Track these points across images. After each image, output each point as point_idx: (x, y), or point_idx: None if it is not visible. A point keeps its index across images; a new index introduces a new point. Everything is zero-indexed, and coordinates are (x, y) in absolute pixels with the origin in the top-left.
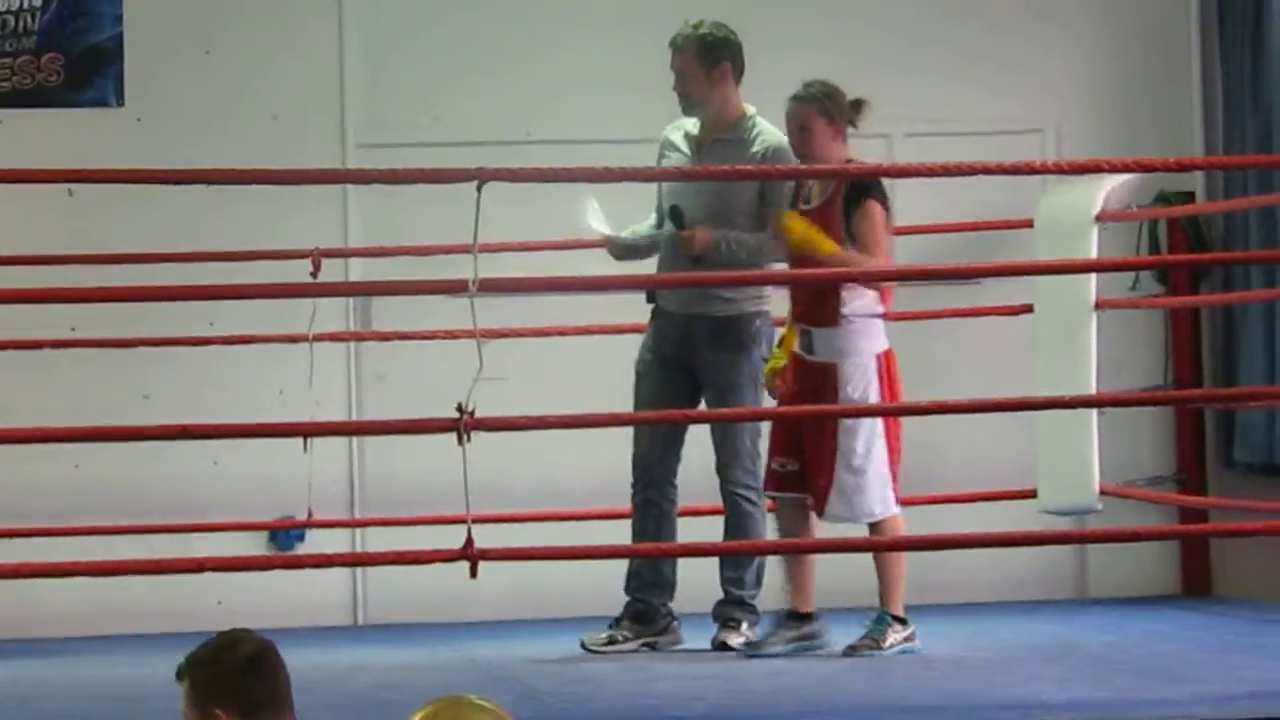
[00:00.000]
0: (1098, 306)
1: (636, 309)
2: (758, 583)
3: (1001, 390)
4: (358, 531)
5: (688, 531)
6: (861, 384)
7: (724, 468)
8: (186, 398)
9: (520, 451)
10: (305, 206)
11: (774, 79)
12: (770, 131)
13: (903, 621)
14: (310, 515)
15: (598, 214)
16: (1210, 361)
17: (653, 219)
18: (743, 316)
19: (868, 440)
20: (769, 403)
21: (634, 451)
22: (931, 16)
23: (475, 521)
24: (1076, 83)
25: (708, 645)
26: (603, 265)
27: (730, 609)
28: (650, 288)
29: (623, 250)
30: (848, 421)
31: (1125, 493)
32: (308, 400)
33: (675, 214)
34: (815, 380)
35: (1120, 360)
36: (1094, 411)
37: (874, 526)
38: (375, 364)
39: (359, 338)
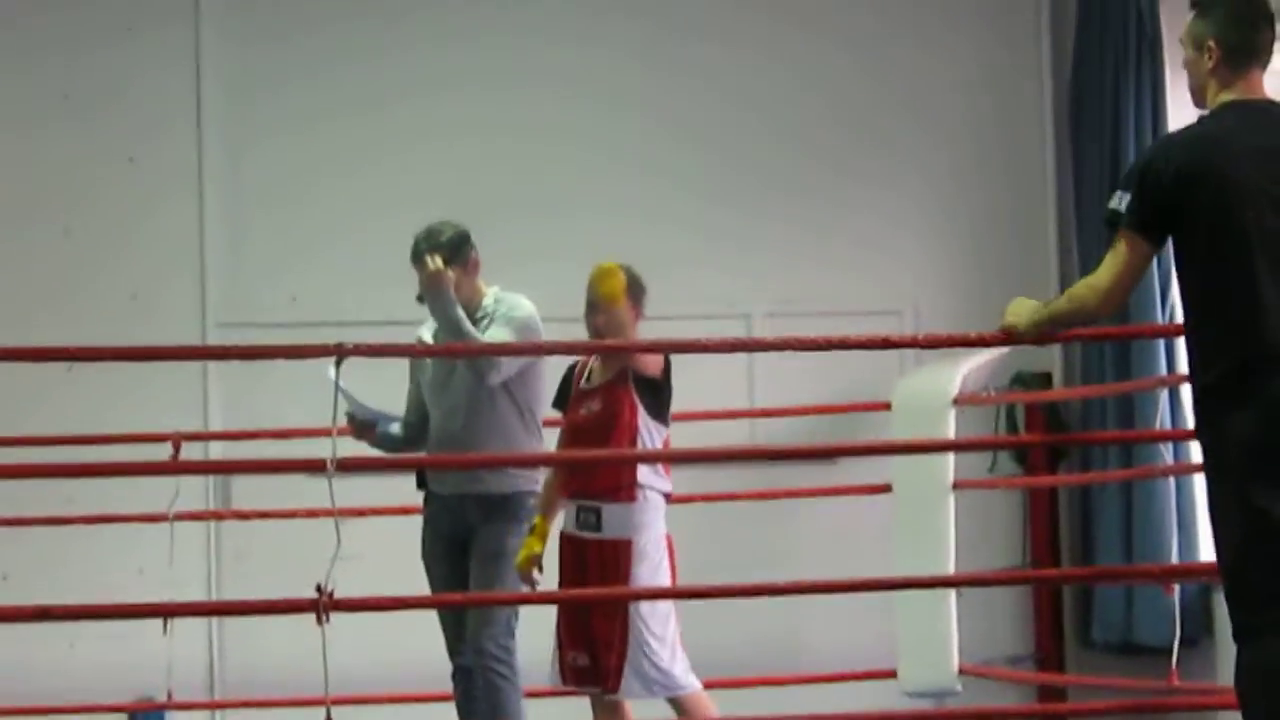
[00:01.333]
0: (956, 486)
1: None
2: None
3: (861, 571)
4: (218, 713)
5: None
6: (657, 559)
7: (473, 636)
8: (44, 578)
9: (381, 631)
10: (165, 388)
11: (630, 249)
12: (511, 300)
13: None
14: (170, 697)
15: (342, 390)
16: (1068, 541)
17: (397, 425)
18: (516, 495)
19: (665, 616)
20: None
21: (445, 634)
22: (789, 197)
23: (335, 703)
24: (933, 263)
25: None
26: None
27: None
28: (516, 465)
29: (360, 431)
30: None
31: (984, 672)
32: (167, 580)
33: (421, 299)
34: (601, 558)
35: (978, 540)
36: (953, 591)
37: (677, 702)
38: (235, 543)
39: (219, 516)
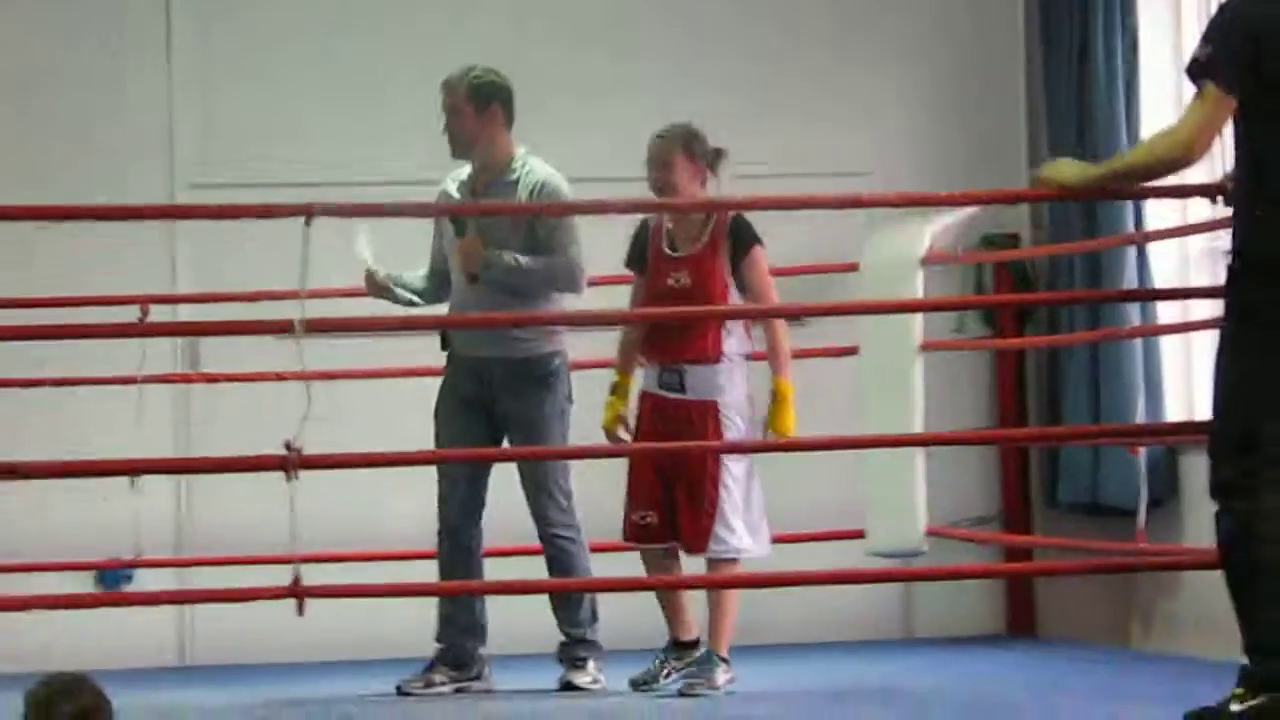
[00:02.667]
0: (923, 348)
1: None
2: (594, 618)
3: (829, 431)
4: (185, 571)
5: (506, 572)
6: (742, 422)
7: (539, 511)
8: (13, 438)
9: (349, 491)
10: (133, 250)
11: (590, 124)
12: (539, 168)
13: (726, 662)
14: (138, 554)
15: (366, 245)
16: (1035, 403)
17: (422, 272)
18: (540, 357)
19: (749, 477)
20: (573, 439)
21: (438, 497)
22: (754, 67)
23: (303, 561)
24: (902, 127)
25: (544, 686)
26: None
27: (572, 649)
28: (499, 325)
29: (378, 290)
30: (731, 458)
31: (951, 533)
32: (136, 441)
33: (458, 226)
34: (687, 420)
35: (946, 402)
36: (920, 452)
37: (721, 563)
38: (203, 406)
39: (187, 380)
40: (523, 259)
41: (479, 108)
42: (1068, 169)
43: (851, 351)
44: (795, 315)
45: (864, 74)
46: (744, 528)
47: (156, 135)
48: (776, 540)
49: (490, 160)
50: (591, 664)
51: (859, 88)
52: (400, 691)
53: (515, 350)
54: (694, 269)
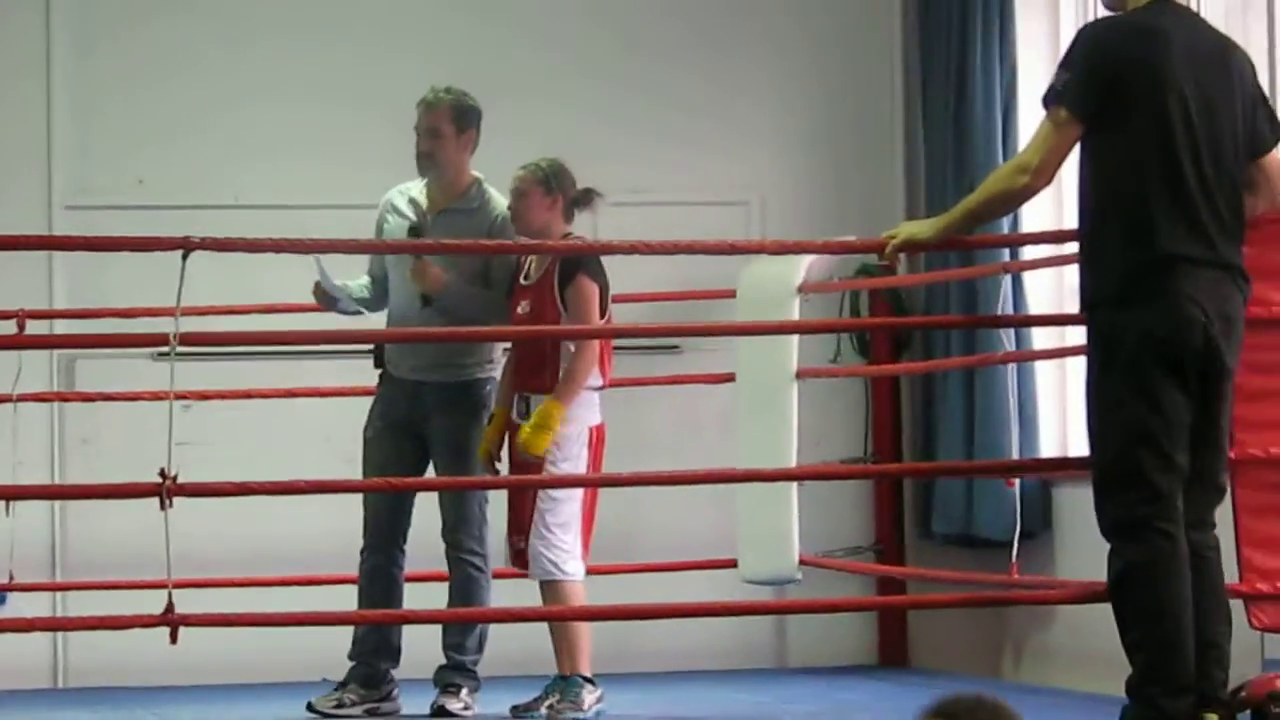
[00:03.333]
0: (799, 376)
1: (354, 373)
2: (479, 648)
3: (704, 459)
4: (59, 595)
5: (416, 597)
6: (571, 452)
7: (451, 533)
8: None
9: (227, 516)
10: (11, 267)
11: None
12: (497, 198)
13: (591, 682)
14: (11, 578)
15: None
16: (910, 432)
17: (364, 280)
18: (474, 383)
19: (565, 506)
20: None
21: (364, 517)
22: (635, 89)
23: (176, 586)
24: (781, 154)
25: (427, 711)
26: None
27: (450, 674)
28: (359, 342)
29: (322, 296)
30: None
31: (824, 563)
32: (10, 462)
33: (414, 230)
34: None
35: (821, 430)
36: (794, 483)
37: (546, 588)
38: (79, 426)
39: (63, 398)
40: (469, 288)
41: (460, 130)
42: (917, 226)
43: (726, 379)
44: (669, 335)
45: (742, 102)
46: (546, 550)
47: (34, 153)
48: (648, 570)
49: (454, 184)
50: (465, 692)
51: (736, 116)
52: (310, 709)
53: (454, 375)
54: (535, 298)
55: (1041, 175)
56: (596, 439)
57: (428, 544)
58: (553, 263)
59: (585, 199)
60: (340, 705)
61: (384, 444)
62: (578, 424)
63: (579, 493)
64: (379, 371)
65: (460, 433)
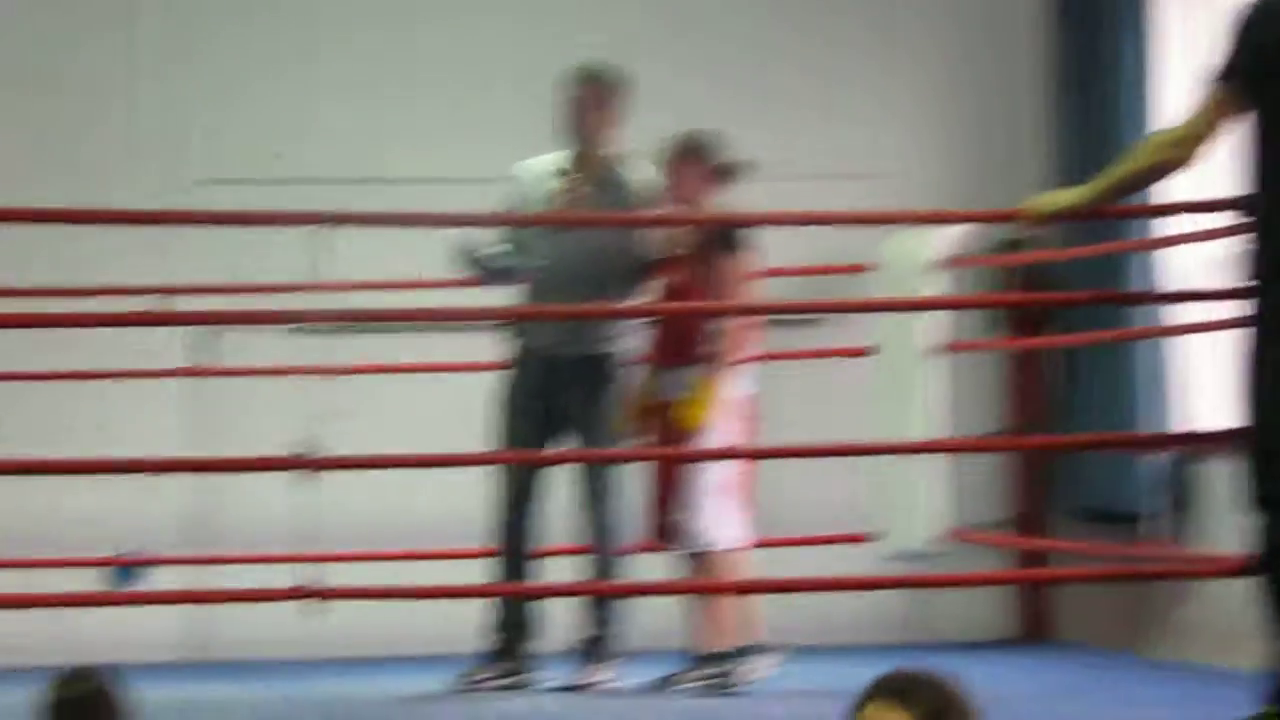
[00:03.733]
0: (940, 350)
1: (492, 347)
2: (619, 621)
3: (841, 433)
4: (197, 568)
5: (556, 571)
6: (723, 422)
7: (587, 506)
8: (25, 432)
9: (367, 489)
10: (150, 243)
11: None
12: (642, 172)
13: (743, 653)
14: (149, 552)
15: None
16: (1051, 406)
17: (508, 247)
18: (608, 356)
19: (716, 476)
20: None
21: (499, 492)
22: (774, 65)
23: (315, 560)
24: (921, 127)
25: (570, 684)
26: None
27: (592, 647)
28: (499, 319)
29: (472, 264)
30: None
31: (966, 537)
32: (152, 433)
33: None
34: (675, 419)
35: (961, 404)
36: (935, 456)
37: (696, 560)
38: (218, 401)
39: (201, 373)
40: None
41: (604, 102)
42: (1061, 195)
43: (865, 353)
44: (811, 312)
45: (879, 74)
46: (699, 521)
47: (172, 129)
48: (787, 544)
49: (599, 156)
50: (606, 664)
51: (875, 88)
52: (453, 686)
53: (588, 348)
54: (683, 271)
55: (1195, 149)
56: (749, 410)
57: (566, 517)
58: (702, 235)
59: (736, 170)
60: (482, 679)
61: (521, 416)
62: (729, 393)
63: (731, 466)
64: (515, 345)
65: (596, 406)
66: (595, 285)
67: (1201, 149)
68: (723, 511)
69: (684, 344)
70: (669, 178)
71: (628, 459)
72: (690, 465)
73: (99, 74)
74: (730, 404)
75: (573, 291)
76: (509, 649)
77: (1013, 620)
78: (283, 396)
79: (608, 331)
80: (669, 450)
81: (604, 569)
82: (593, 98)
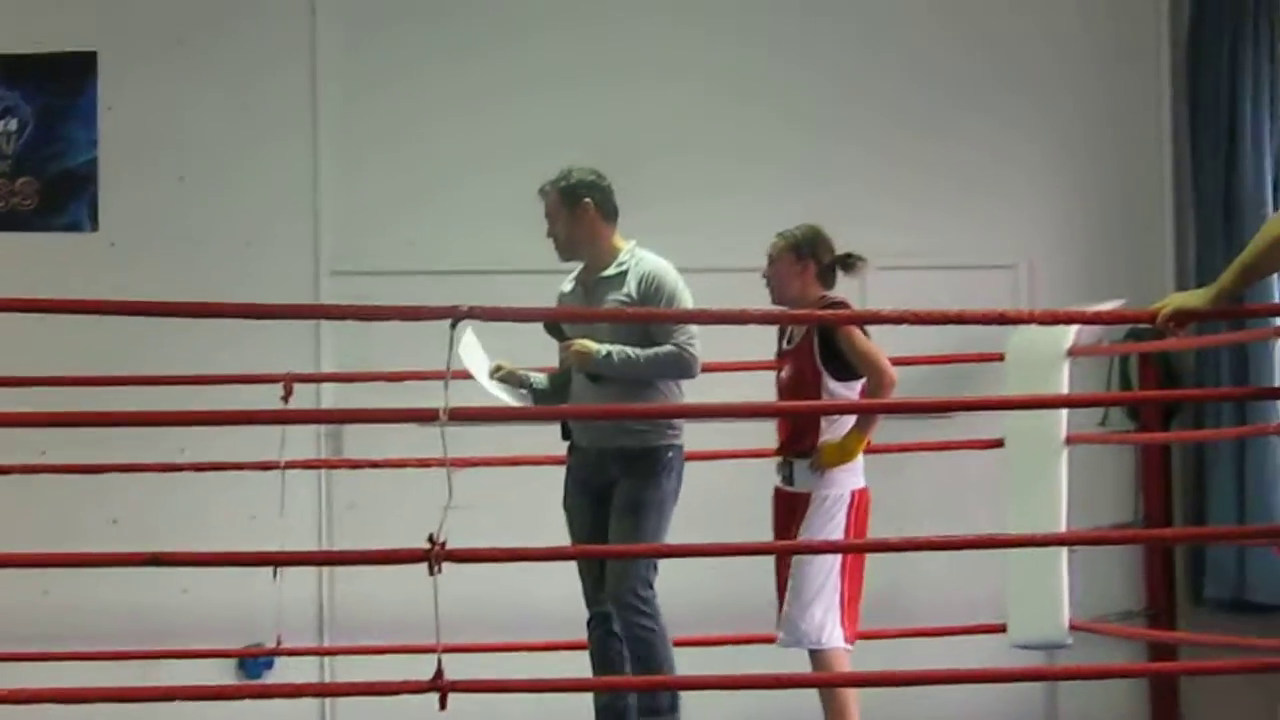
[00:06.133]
0: (1068, 441)
1: None
2: (672, 707)
3: (970, 524)
4: (327, 660)
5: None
6: (829, 516)
7: (615, 590)
8: (155, 522)
9: (492, 579)
10: (278, 330)
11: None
12: (648, 258)
13: None
14: (279, 643)
15: (472, 346)
16: (1181, 497)
17: (538, 380)
18: (656, 449)
19: (823, 571)
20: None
21: (581, 587)
22: (904, 154)
23: (445, 651)
24: (1049, 220)
25: None
26: None
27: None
28: (659, 417)
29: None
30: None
31: (1095, 628)
32: (279, 526)
33: (554, 331)
34: (791, 511)
35: (1090, 495)
36: (1064, 547)
37: (815, 656)
38: (346, 491)
39: (330, 465)
40: (631, 351)
41: (571, 208)
42: (1192, 296)
43: (996, 444)
44: (941, 410)
45: (1007, 168)
46: (801, 620)
47: (302, 220)
48: (917, 635)
49: (596, 256)
50: None
51: (1003, 182)
52: None
53: (634, 441)
54: (795, 362)
55: None
56: (859, 503)
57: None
58: (810, 328)
59: (848, 264)
60: None
61: (582, 513)
62: (838, 487)
63: (831, 560)
64: (567, 443)
65: (635, 491)
66: (624, 383)
67: None
68: (819, 611)
69: (799, 435)
70: (772, 272)
71: (738, 552)
72: (800, 559)
73: (226, 167)
74: (838, 495)
75: (606, 391)
76: None
77: (1144, 712)
78: (412, 485)
79: (643, 424)
80: (787, 543)
81: (643, 655)
82: (554, 208)
